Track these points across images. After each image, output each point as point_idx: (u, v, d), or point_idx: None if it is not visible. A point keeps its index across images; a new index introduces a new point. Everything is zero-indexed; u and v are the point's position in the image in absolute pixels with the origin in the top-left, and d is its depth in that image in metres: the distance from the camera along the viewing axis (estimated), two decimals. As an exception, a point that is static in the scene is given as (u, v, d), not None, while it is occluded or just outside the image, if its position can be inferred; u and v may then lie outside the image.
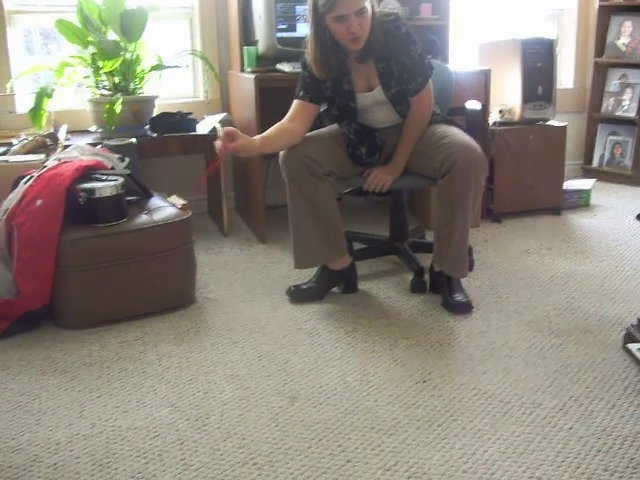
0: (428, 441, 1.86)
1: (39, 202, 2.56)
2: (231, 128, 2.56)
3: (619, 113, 4.78)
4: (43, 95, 3.27)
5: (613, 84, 4.82)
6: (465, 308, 2.69)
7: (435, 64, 2.83)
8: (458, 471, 1.73)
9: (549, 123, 4.02)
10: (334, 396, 2.10)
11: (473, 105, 3.09)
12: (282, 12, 3.48)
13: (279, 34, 3.46)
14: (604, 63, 4.84)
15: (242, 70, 3.63)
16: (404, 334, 2.51)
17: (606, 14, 4.79)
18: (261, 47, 3.52)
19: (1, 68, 3.59)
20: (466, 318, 2.63)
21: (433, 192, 3.50)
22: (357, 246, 3.24)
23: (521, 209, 4.00)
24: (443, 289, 2.75)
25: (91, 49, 3.41)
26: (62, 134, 3.33)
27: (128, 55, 3.48)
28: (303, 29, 3.47)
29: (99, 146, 3.07)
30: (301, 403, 2.06)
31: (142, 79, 3.59)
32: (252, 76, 3.36)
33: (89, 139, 3.36)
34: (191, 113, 3.65)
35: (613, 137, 4.83)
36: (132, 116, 3.47)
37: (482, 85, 3.74)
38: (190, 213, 2.81)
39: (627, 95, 4.74)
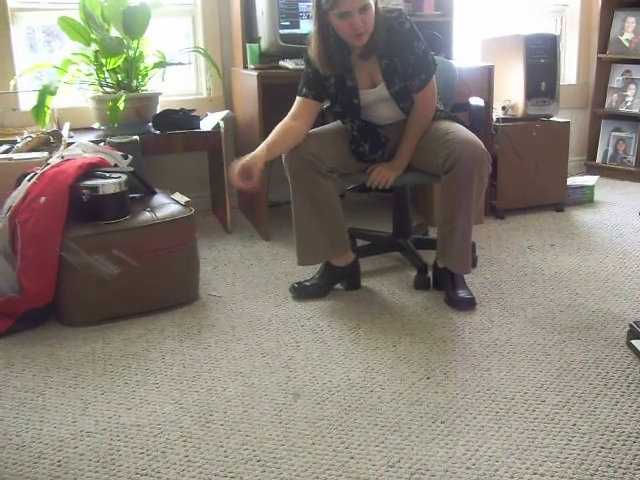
0: (432, 437, 1.86)
1: (42, 200, 2.56)
2: (237, 168, 2.55)
3: (623, 109, 4.77)
4: (46, 93, 3.26)
5: (617, 80, 4.81)
6: (468, 304, 2.69)
7: (438, 60, 2.83)
8: (462, 467, 1.73)
9: (552, 119, 4.01)
10: (337, 393, 2.10)
11: (476, 101, 3.08)
12: (285, 9, 3.48)
13: (282, 31, 3.45)
14: (607, 59, 4.83)
15: (245, 67, 3.63)
16: (407, 331, 2.51)
17: (609, 10, 4.78)
18: (264, 44, 3.52)
19: (4, 66, 3.60)
20: (469, 314, 2.63)
21: (436, 188, 3.50)
22: (360, 243, 3.24)
23: (524, 205, 3.99)
24: (446, 285, 2.75)
25: (94, 46, 3.41)
26: (65, 132, 3.33)
27: (131, 52, 3.48)
28: (306, 26, 3.47)
29: (102, 143, 3.08)
30: (304, 400, 2.06)
31: (145, 76, 3.59)
32: (255, 73, 3.36)
33: (92, 136, 3.36)
34: (194, 110, 3.64)
35: (617, 133, 4.82)
36: (135, 113, 3.47)
37: (485, 81, 3.73)
38: (193, 210, 2.81)
39: (631, 91, 4.73)
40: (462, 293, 2.72)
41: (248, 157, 2.56)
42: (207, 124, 3.62)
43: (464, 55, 4.33)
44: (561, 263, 3.17)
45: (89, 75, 3.53)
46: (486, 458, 1.76)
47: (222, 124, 3.57)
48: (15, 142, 3.21)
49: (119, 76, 3.52)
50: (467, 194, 2.59)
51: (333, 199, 2.74)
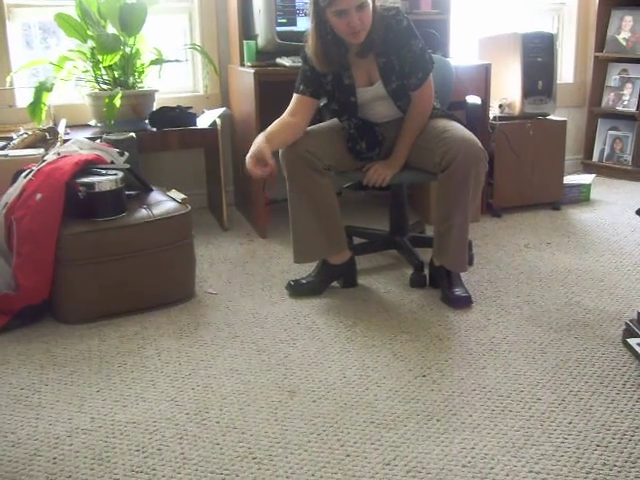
0: (427, 435, 1.86)
1: (39, 196, 2.55)
2: (251, 154, 2.56)
3: (619, 108, 4.77)
4: (42, 89, 3.26)
5: (613, 79, 4.81)
6: (465, 302, 2.69)
7: (435, 58, 2.83)
8: (457, 465, 1.73)
9: (549, 118, 4.02)
10: (333, 390, 2.10)
11: (473, 99, 3.09)
12: (282, 6, 3.48)
13: (279, 28, 3.45)
14: (604, 58, 4.83)
15: (242, 64, 3.63)
16: (404, 328, 2.51)
17: (607, 8, 4.77)
18: (261, 41, 3.52)
19: (0, 62, 3.59)
20: (466, 313, 2.63)
21: (433, 187, 3.50)
22: (357, 240, 3.24)
23: (521, 204, 3.99)
24: (443, 284, 2.75)
25: (90, 43, 3.40)
26: (61, 128, 3.32)
27: (127, 49, 3.47)
28: (303, 23, 3.46)
29: (98, 140, 3.07)
30: (300, 397, 2.06)
31: (142, 73, 3.59)
32: (252, 70, 3.36)
33: (88, 133, 3.36)
34: (191, 107, 3.64)
35: (613, 132, 4.82)
36: (131, 110, 3.46)
37: (482, 79, 3.74)
38: (190, 207, 2.81)
39: (627, 90, 4.73)
40: (458, 291, 2.72)
41: (252, 149, 2.56)
42: (204, 121, 3.61)
43: (461, 53, 4.33)
44: (557, 261, 3.17)
45: (85, 72, 3.52)
46: (482, 456, 1.76)
47: (219, 121, 3.56)
48: (11, 139, 3.20)
49: (115, 73, 3.51)
50: (464, 192, 2.59)
51: (330, 197, 2.74)
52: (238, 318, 2.64)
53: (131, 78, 3.55)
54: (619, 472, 1.69)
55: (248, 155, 2.57)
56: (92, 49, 3.41)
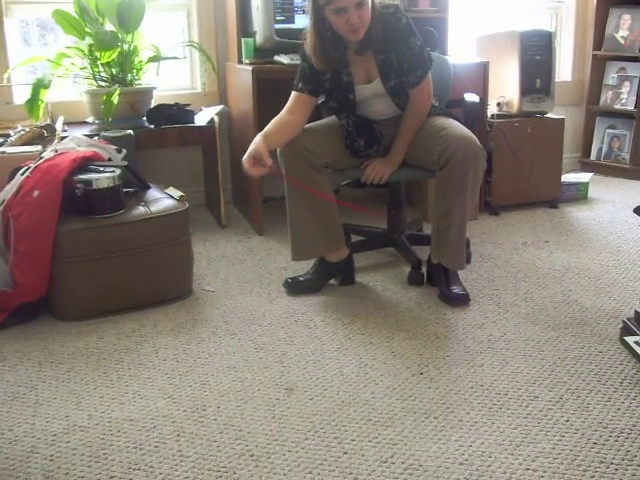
0: (425, 433, 1.86)
1: (36, 193, 2.55)
2: (248, 155, 2.56)
3: (617, 106, 4.77)
4: (40, 86, 3.26)
5: (611, 77, 4.81)
6: (462, 300, 2.69)
7: (434, 56, 2.83)
8: (455, 463, 1.73)
9: (547, 116, 4.02)
10: (331, 388, 2.10)
11: (471, 97, 3.08)
12: (280, 3, 3.47)
13: (277, 25, 3.45)
14: (603, 56, 4.83)
15: (240, 62, 3.62)
16: (401, 326, 2.51)
17: (605, 7, 4.78)
18: (259, 39, 3.51)
19: (-2, 59, 3.59)
20: (463, 310, 2.63)
21: (431, 184, 3.50)
22: (355, 238, 3.24)
23: (519, 202, 3.99)
24: (440, 281, 2.75)
25: (88, 40, 3.39)
26: (59, 125, 3.32)
27: (125, 46, 3.47)
28: (301, 21, 3.46)
29: (96, 137, 3.07)
30: (298, 395, 2.06)
31: (139, 70, 3.58)
32: (250, 68, 3.35)
33: (86, 130, 3.36)
34: (189, 105, 3.64)
35: (611, 130, 4.83)
36: (129, 107, 3.46)
37: (480, 77, 3.74)
38: (187, 205, 2.81)
39: (625, 88, 4.73)
40: (456, 289, 2.72)
41: (250, 148, 2.56)
42: (201, 119, 3.61)
43: (459, 51, 4.33)
44: (555, 260, 3.17)
45: (83, 69, 3.51)
46: (479, 454, 1.76)
47: (216, 119, 3.56)
48: (9, 136, 3.19)
49: (113, 70, 3.51)
50: (462, 190, 2.59)
51: (328, 194, 2.73)
52: (235, 315, 2.64)
53: (129, 75, 3.54)
54: (616, 470, 1.69)
55: (245, 156, 2.56)
56: (90, 46, 3.40)
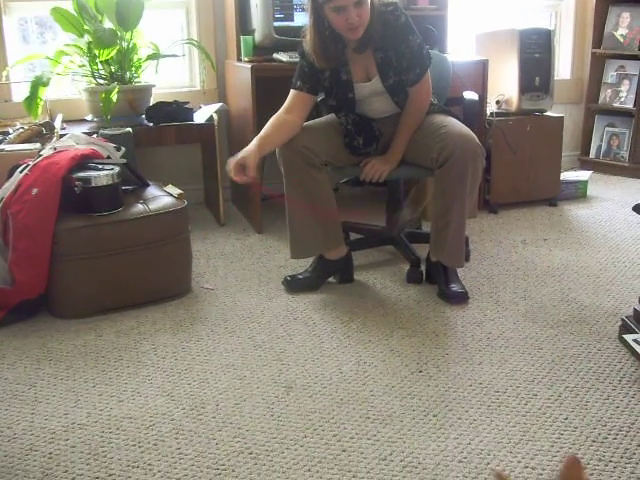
0: (424, 431, 1.86)
1: (35, 191, 2.55)
2: (233, 164, 2.55)
3: (616, 104, 4.77)
4: (39, 84, 3.25)
5: (611, 75, 4.81)
6: (461, 298, 2.69)
7: (433, 54, 2.83)
8: (453, 461, 1.73)
9: (546, 114, 4.01)
10: (330, 386, 2.10)
11: (470, 95, 3.08)
12: (279, 1, 3.47)
13: (276, 23, 3.44)
14: (602, 54, 4.83)
15: (239, 59, 3.62)
16: (400, 324, 2.51)
17: (604, 5, 4.77)
18: (258, 36, 3.51)
19: (-4, 57, 3.58)
20: (462, 308, 2.63)
21: (430, 182, 3.49)
22: (353, 236, 3.24)
23: (518, 200, 3.99)
24: (439, 279, 2.75)
25: (87, 38, 3.39)
26: (58, 123, 3.31)
27: (124, 44, 3.46)
28: (300, 18, 3.46)
29: (95, 135, 3.07)
30: (297, 393, 2.06)
31: (138, 68, 3.58)
32: (249, 65, 3.35)
33: (85, 128, 3.35)
34: (187, 102, 3.63)
35: (610, 128, 4.83)
36: (128, 105, 3.46)
37: (479, 75, 3.73)
38: (186, 203, 2.81)
39: (624, 86, 4.73)
40: (455, 287, 2.72)
41: (241, 154, 2.56)
42: (200, 116, 3.60)
43: (458, 49, 4.33)
44: (554, 258, 3.17)
45: (82, 67, 3.51)
46: (478, 451, 1.77)
47: (215, 117, 3.56)
48: (7, 133, 3.19)
49: (112, 68, 3.51)
50: (461, 188, 2.59)
51: (327, 192, 2.73)
52: (234, 313, 2.64)
53: (128, 73, 3.54)
54: (615, 468, 1.69)
55: (233, 159, 2.55)
56: (89, 44, 3.40)
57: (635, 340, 2.26)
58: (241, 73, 3.54)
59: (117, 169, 2.68)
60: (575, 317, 2.55)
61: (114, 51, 3.41)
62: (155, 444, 1.83)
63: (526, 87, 3.92)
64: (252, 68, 3.32)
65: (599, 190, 4.35)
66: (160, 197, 2.81)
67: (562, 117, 4.05)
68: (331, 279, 2.91)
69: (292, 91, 2.73)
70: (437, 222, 2.70)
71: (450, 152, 2.54)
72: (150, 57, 3.57)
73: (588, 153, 4.95)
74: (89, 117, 3.56)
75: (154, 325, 2.54)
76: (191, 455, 1.78)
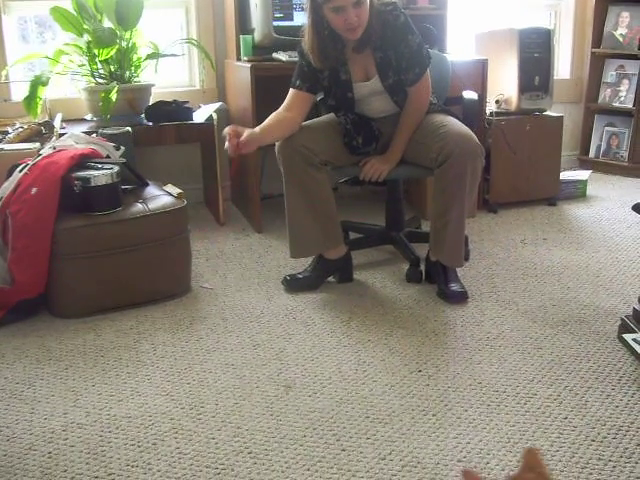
0: (423, 430, 1.86)
1: (34, 190, 2.55)
2: (231, 126, 2.56)
3: (616, 104, 4.77)
4: (38, 83, 3.25)
5: (610, 75, 4.81)
6: (461, 298, 2.69)
7: (432, 54, 2.83)
8: (453, 460, 1.73)
9: (546, 113, 4.01)
10: (329, 385, 2.10)
11: (470, 95, 3.08)
12: (279, 1, 3.46)
13: (276, 23, 3.44)
14: (601, 54, 4.83)
15: (238, 59, 3.62)
16: (400, 324, 2.51)
17: (604, 4, 4.77)
18: (257, 36, 3.51)
19: (-4, 56, 3.58)
20: (462, 308, 2.63)
21: (429, 182, 3.49)
22: (353, 236, 3.24)
23: (517, 199, 3.99)
24: (439, 279, 2.75)
25: (86, 37, 3.39)
26: (57, 122, 3.31)
27: (124, 43, 3.46)
28: (300, 18, 3.45)
29: (94, 134, 3.07)
30: (296, 392, 2.06)
31: (138, 67, 3.58)
32: (248, 65, 3.35)
33: (84, 127, 3.35)
34: (187, 102, 3.63)
35: (610, 128, 4.82)
36: (128, 105, 3.46)
37: (479, 75, 3.73)
38: (185, 202, 2.80)
39: (624, 86, 4.73)
40: (454, 286, 2.72)
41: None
42: (200, 116, 3.60)
43: (458, 48, 4.33)
44: (553, 257, 3.17)
45: (81, 66, 3.51)
46: (477, 451, 1.77)
47: (215, 116, 3.55)
48: (7, 133, 3.19)
49: (112, 67, 3.51)
50: (460, 187, 2.59)
51: (326, 192, 2.73)
52: (234, 313, 2.64)
53: (127, 72, 3.54)
54: (614, 467, 1.69)
55: (230, 127, 2.56)
56: (88, 43, 3.39)
57: (634, 339, 2.26)
58: (240, 72, 3.54)
59: (116, 168, 2.68)
60: (574, 316, 2.55)
61: (113, 50, 3.41)
62: (154, 443, 1.83)
63: (526, 87, 3.92)
64: (251, 67, 3.32)
65: (598, 190, 4.35)
66: (159, 196, 2.81)
67: (562, 117, 4.04)
68: (330, 278, 2.91)
69: (291, 90, 2.73)
70: (436, 222, 2.70)
71: (449, 152, 2.54)
72: (149, 56, 3.56)
73: (587, 153, 4.95)
74: (88, 116, 3.55)
75: (153, 324, 2.54)
76: (190, 454, 1.78)
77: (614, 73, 4.79)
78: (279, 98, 2.74)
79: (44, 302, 2.63)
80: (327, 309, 2.66)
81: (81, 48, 3.43)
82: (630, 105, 4.67)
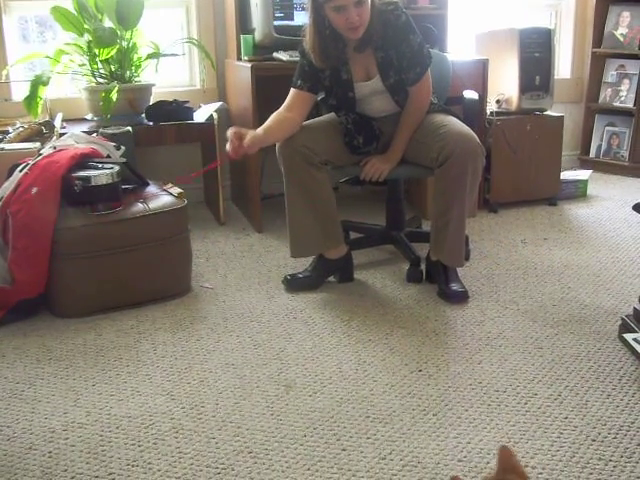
0: (423, 430, 1.86)
1: (34, 190, 2.55)
2: (234, 128, 2.56)
3: (616, 104, 4.77)
4: (39, 83, 3.25)
5: (611, 75, 4.81)
6: (461, 298, 2.69)
7: (433, 53, 2.82)
8: (453, 460, 1.73)
9: (546, 113, 4.01)
10: (329, 385, 2.10)
11: (470, 95, 3.08)
12: (279, 0, 3.46)
13: (276, 22, 3.44)
14: (602, 53, 4.82)
15: (239, 59, 3.61)
16: (400, 323, 2.51)
17: (604, 4, 4.77)
18: (258, 35, 3.51)
19: (-4, 56, 3.58)
20: (462, 308, 2.63)
21: (430, 182, 3.49)
22: (353, 235, 3.24)
23: (518, 199, 3.99)
24: (439, 279, 2.75)
25: (87, 37, 3.39)
26: (58, 122, 3.31)
27: (124, 43, 3.46)
28: (300, 17, 3.45)
29: (95, 134, 3.06)
30: (296, 392, 2.06)
31: (138, 67, 3.58)
32: (249, 65, 3.35)
33: (85, 127, 3.35)
34: (187, 102, 3.63)
35: (610, 128, 4.82)
36: (128, 104, 3.46)
37: (480, 75, 3.73)
38: (186, 202, 2.80)
39: (625, 86, 4.73)
40: (455, 286, 2.72)
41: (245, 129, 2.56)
42: (200, 116, 3.60)
43: (458, 48, 4.32)
44: (554, 257, 3.17)
45: (82, 66, 3.51)
46: (477, 451, 1.76)
47: (215, 116, 3.55)
48: (7, 132, 3.19)
49: (112, 67, 3.51)
50: (461, 187, 2.59)
51: (326, 191, 2.73)
52: (234, 312, 2.64)
53: (128, 72, 3.54)
54: (615, 467, 1.69)
55: (233, 129, 2.56)
56: (89, 43, 3.40)
57: (635, 339, 2.26)
58: (241, 72, 3.54)
59: (117, 168, 2.68)
60: (575, 316, 2.55)
61: (114, 50, 3.41)
62: (155, 443, 1.83)
63: (526, 86, 3.92)
64: (252, 67, 3.32)
65: (599, 189, 4.35)
66: (160, 196, 2.81)
67: (562, 116, 4.04)
68: (331, 278, 2.91)
69: (292, 90, 2.73)
70: (437, 221, 2.70)
71: (450, 151, 2.54)
72: (150, 56, 3.56)
73: (588, 152, 4.95)
74: (89, 116, 3.55)
75: (154, 324, 2.54)
76: (191, 454, 1.78)
77: (615, 73, 4.79)
78: (280, 98, 2.74)
79: (44, 302, 2.63)
80: (327, 309, 2.66)
81: (82, 48, 3.43)
82: (631, 105, 4.67)
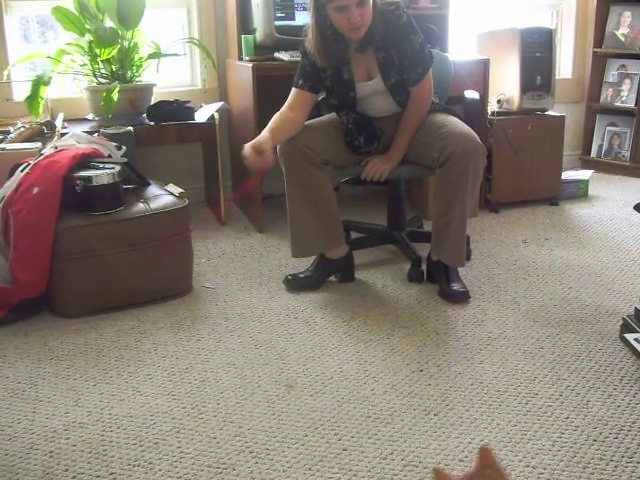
0: (424, 430, 1.86)
1: (35, 190, 2.55)
2: (252, 144, 2.51)
3: (618, 104, 4.77)
4: (40, 83, 3.25)
5: (612, 74, 4.81)
6: (462, 297, 2.69)
7: (434, 53, 2.82)
8: (454, 460, 1.73)
9: (548, 113, 4.01)
10: (331, 385, 2.10)
11: (471, 94, 3.08)
12: (280, 0, 3.46)
13: (277, 22, 3.44)
14: (603, 53, 4.82)
15: (240, 58, 3.62)
16: (401, 323, 2.51)
17: (605, 4, 4.77)
18: (259, 35, 3.51)
19: (-2, 56, 3.58)
20: (463, 307, 2.63)
21: (431, 181, 3.49)
22: (355, 235, 3.24)
23: (519, 199, 3.99)
24: (440, 278, 2.75)
25: (88, 37, 3.39)
26: (59, 122, 3.31)
27: (125, 43, 3.47)
28: (302, 17, 3.45)
29: (96, 134, 3.06)
30: (298, 392, 2.06)
31: (139, 67, 3.58)
32: (250, 65, 3.35)
33: (86, 127, 3.35)
34: (189, 101, 3.63)
35: (611, 128, 4.82)
36: (129, 104, 3.46)
37: (481, 74, 3.73)
38: (187, 202, 2.81)
39: (626, 86, 4.73)
40: (456, 286, 2.72)
41: (256, 140, 2.54)
42: (201, 116, 3.60)
43: (460, 48, 4.32)
44: (555, 257, 3.17)
45: (83, 66, 3.51)
46: (478, 450, 1.76)
47: (217, 116, 3.55)
48: (8, 132, 3.19)
49: (113, 67, 3.51)
50: (462, 187, 2.59)
51: (327, 191, 2.73)
52: (235, 312, 2.64)
53: (129, 72, 3.54)
54: (616, 467, 1.69)
55: (249, 144, 2.54)
56: (90, 43, 3.40)
57: (636, 339, 2.26)
58: (242, 72, 3.54)
59: (118, 168, 2.68)
60: (576, 316, 2.54)
61: (115, 50, 3.41)
62: (156, 443, 1.83)
63: (527, 86, 3.92)
64: (253, 67, 3.32)
65: (600, 189, 4.35)
66: (161, 196, 2.81)
67: (563, 116, 4.04)
68: (332, 278, 2.91)
69: (294, 89, 2.73)
70: (438, 221, 2.70)
71: (451, 151, 2.54)
72: (151, 56, 3.57)
73: (589, 152, 4.94)
74: (90, 116, 3.56)
75: (155, 324, 2.54)
76: (192, 454, 1.78)
77: (616, 73, 4.78)
78: (281, 98, 2.74)
79: (46, 301, 2.63)
80: (329, 309, 2.66)
81: (83, 48, 3.44)
82: (632, 105, 4.67)
